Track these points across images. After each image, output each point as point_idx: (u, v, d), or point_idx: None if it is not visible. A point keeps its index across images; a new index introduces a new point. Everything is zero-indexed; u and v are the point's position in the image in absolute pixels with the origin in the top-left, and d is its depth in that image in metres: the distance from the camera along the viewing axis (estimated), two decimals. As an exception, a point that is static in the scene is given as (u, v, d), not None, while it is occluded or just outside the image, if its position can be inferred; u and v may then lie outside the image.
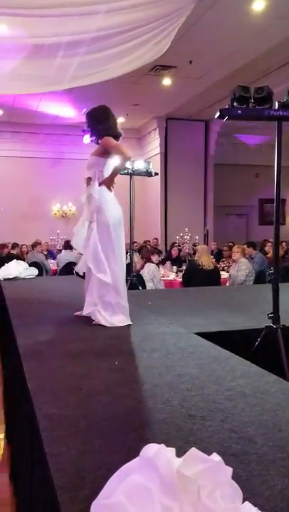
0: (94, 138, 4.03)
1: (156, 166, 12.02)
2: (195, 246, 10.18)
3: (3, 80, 6.39)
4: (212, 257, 11.47)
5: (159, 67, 9.72)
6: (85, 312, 3.80)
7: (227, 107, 3.22)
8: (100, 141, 3.93)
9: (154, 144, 14.64)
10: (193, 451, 1.04)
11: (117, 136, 3.96)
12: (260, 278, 7.80)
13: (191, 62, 9.45)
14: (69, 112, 12.63)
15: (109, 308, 3.70)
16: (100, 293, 3.71)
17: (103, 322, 3.64)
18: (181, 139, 14.17)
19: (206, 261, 7.43)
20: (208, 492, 0.97)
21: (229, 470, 1.05)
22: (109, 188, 3.85)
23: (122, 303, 3.72)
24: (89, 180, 3.85)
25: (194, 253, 9.37)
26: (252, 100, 3.15)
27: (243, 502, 1.08)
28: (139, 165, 7.77)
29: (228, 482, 1.03)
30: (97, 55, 5.95)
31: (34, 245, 11.15)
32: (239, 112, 3.17)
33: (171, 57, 8.58)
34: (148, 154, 14.71)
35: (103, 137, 3.88)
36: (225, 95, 7.98)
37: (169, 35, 5.98)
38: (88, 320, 3.85)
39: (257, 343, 3.44)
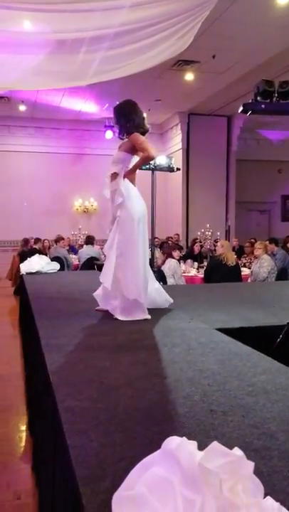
0: (121, 133, 4.03)
1: (178, 161, 11.99)
2: (216, 242, 10.13)
3: (26, 75, 6.42)
4: (234, 253, 11.43)
5: (181, 62, 9.67)
6: (105, 306, 3.83)
7: (250, 101, 3.19)
8: (127, 137, 3.94)
9: (176, 140, 14.59)
10: (215, 444, 1.03)
11: (144, 132, 3.97)
12: (282, 275, 7.73)
13: (214, 56, 9.37)
14: (91, 107, 12.66)
15: (126, 304, 3.71)
16: (119, 288, 3.72)
17: (120, 317, 3.66)
18: (203, 134, 14.09)
19: (230, 257, 7.40)
20: (229, 486, 0.97)
21: (251, 464, 1.04)
22: (132, 182, 3.87)
23: (140, 300, 3.72)
24: (114, 175, 3.86)
25: (215, 249, 9.32)
26: (276, 94, 3.12)
27: (264, 497, 1.07)
28: (161, 160, 7.77)
29: (250, 476, 1.03)
30: (120, 50, 5.93)
31: (57, 240, 11.23)
32: (263, 106, 3.14)
33: (194, 52, 8.52)
34: (170, 150, 14.67)
35: (132, 133, 3.90)
36: (248, 90, 7.93)
37: (192, 29, 5.93)
38: (109, 314, 3.87)
39: (279, 340, 3.42)
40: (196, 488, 0.94)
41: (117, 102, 4.23)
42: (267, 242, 8.77)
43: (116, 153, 3.96)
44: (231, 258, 7.44)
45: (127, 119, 3.97)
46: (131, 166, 3.87)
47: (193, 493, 0.95)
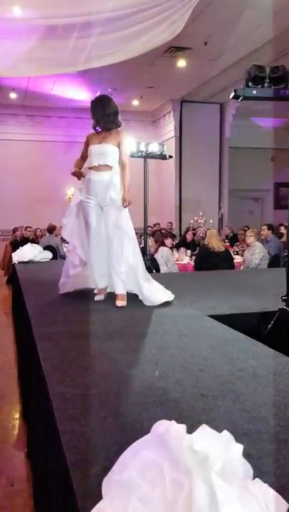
0: (107, 126, 4.01)
1: (170, 149, 11.92)
2: (209, 228, 10.13)
3: (17, 62, 6.36)
4: (227, 241, 11.44)
5: (173, 49, 9.58)
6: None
7: (242, 87, 3.18)
8: (110, 132, 4.00)
9: (169, 127, 14.51)
10: (204, 427, 1.04)
11: None
12: (274, 261, 7.76)
13: (206, 43, 9.29)
14: (83, 95, 12.54)
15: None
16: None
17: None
18: (195, 121, 14.02)
19: (215, 244, 7.43)
20: (218, 468, 0.97)
21: (240, 447, 1.05)
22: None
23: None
24: (106, 167, 3.92)
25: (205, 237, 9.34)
26: (267, 80, 3.10)
27: (253, 479, 1.08)
28: (154, 148, 7.73)
29: (239, 459, 1.04)
30: (112, 35, 5.88)
31: (50, 229, 11.17)
32: (254, 92, 3.12)
33: (186, 39, 8.45)
34: (163, 137, 14.59)
35: (121, 130, 4.05)
36: (241, 77, 7.85)
37: (183, 15, 5.88)
38: (102, 303, 3.90)
39: (270, 326, 3.44)
40: (184, 471, 0.95)
41: (102, 94, 4.29)
42: (265, 227, 8.80)
43: (105, 146, 3.95)
44: (218, 244, 7.47)
45: (116, 113, 4.06)
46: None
47: (181, 475, 0.95)
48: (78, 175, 4.09)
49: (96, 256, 4.06)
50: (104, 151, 3.93)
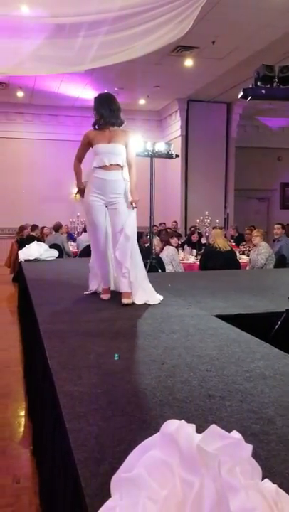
0: (112, 121, 4.02)
1: (177, 148, 11.91)
2: (215, 227, 10.11)
3: (25, 60, 6.37)
4: (232, 241, 11.43)
5: (181, 48, 9.57)
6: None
7: (250, 86, 3.17)
8: (119, 131, 4.03)
9: (175, 127, 14.50)
10: (214, 427, 1.04)
11: None
12: (281, 262, 7.74)
13: (213, 42, 9.27)
14: (90, 93, 12.54)
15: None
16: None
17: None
18: (202, 121, 14.00)
19: (221, 243, 7.46)
20: (228, 468, 0.97)
21: (249, 447, 1.05)
22: None
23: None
24: (118, 167, 3.94)
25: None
26: (276, 80, 3.09)
27: (262, 480, 1.08)
28: (160, 147, 7.72)
29: (248, 459, 1.04)
30: (119, 34, 5.88)
31: (56, 228, 11.18)
32: (263, 91, 3.12)
33: (193, 38, 8.44)
34: (169, 137, 14.59)
35: (127, 130, 4.12)
36: (248, 76, 7.86)
37: (191, 14, 5.87)
38: (108, 301, 3.92)
39: (277, 326, 3.43)
40: (194, 471, 0.95)
41: (108, 92, 4.30)
42: (280, 226, 8.77)
43: (116, 146, 3.96)
44: (223, 244, 7.50)
45: (120, 110, 4.08)
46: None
47: (191, 475, 0.95)
48: (82, 193, 4.13)
49: (103, 256, 4.09)
50: (116, 151, 3.94)
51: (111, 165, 3.93)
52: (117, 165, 3.94)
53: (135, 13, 5.64)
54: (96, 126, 4.08)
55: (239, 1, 7.57)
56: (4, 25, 5.89)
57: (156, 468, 1.01)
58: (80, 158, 4.19)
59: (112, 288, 4.21)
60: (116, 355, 2.41)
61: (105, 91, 4.45)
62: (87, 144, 4.08)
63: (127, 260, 3.88)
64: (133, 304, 3.83)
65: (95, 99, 4.14)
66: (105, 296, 4.10)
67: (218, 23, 8.35)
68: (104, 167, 3.93)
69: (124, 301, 3.83)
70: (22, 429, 3.55)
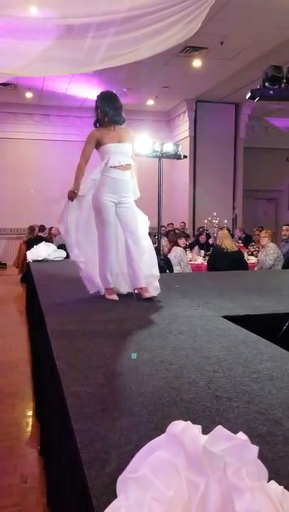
0: (115, 119, 4.05)
1: (185, 149, 11.90)
2: (222, 229, 10.08)
3: (33, 62, 6.39)
4: (240, 242, 11.40)
5: (189, 49, 9.57)
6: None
7: (258, 87, 3.16)
8: (123, 130, 4.09)
9: (184, 127, 14.49)
10: (220, 429, 1.04)
11: None
12: (289, 262, 7.71)
13: (222, 43, 9.26)
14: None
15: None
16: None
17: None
18: (210, 121, 13.98)
19: (228, 244, 7.48)
20: (234, 469, 0.97)
21: (255, 448, 1.05)
22: None
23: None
24: (129, 166, 4.03)
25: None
26: (284, 80, 3.08)
27: (268, 481, 1.08)
28: (168, 148, 7.73)
29: (254, 460, 1.04)
30: (128, 35, 5.88)
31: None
32: (271, 92, 3.11)
33: (202, 38, 8.43)
34: (177, 137, 14.58)
35: (130, 130, 4.23)
36: (257, 77, 7.82)
37: (200, 15, 5.86)
38: (115, 302, 3.93)
39: (285, 327, 3.42)
40: (200, 472, 0.95)
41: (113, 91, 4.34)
42: (288, 227, 8.74)
43: (125, 145, 4.03)
44: (230, 244, 7.53)
45: (122, 109, 4.12)
46: None
47: (197, 476, 0.95)
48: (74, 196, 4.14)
49: (114, 254, 4.07)
50: (127, 151, 4.01)
51: (126, 165, 4.00)
52: (129, 164, 4.01)
53: (143, 14, 5.65)
54: (97, 124, 4.09)
55: (248, 1, 7.56)
56: (13, 27, 5.91)
57: (162, 469, 1.01)
58: (87, 159, 4.16)
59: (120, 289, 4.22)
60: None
61: (113, 91, 4.46)
62: (94, 144, 4.08)
63: (142, 257, 3.99)
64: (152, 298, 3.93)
65: (98, 97, 4.16)
66: (115, 296, 4.07)
67: (226, 24, 8.34)
68: (120, 167, 3.98)
69: (147, 295, 3.92)
70: (30, 429, 3.56)
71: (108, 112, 4.02)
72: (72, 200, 4.11)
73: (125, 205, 4.00)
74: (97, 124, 4.10)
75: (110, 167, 3.96)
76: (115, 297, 4.06)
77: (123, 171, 3.98)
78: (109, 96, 4.11)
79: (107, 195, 3.96)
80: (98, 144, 4.04)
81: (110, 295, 4.09)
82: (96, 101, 4.14)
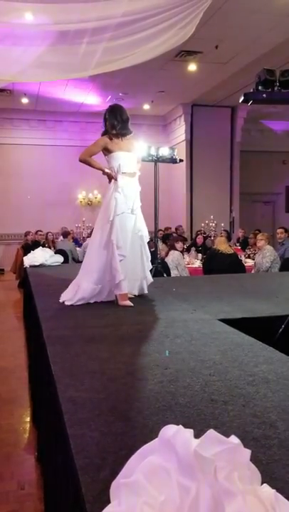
0: (123, 131, 4.13)
1: (181, 152, 11.95)
2: (221, 235, 10.11)
3: (29, 67, 6.42)
4: (238, 244, 11.42)
5: (184, 53, 9.61)
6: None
7: (252, 90, 3.18)
8: (131, 140, 4.19)
9: (180, 131, 14.53)
10: (211, 432, 1.04)
11: None
12: (286, 265, 7.72)
13: (217, 47, 9.30)
14: (94, 99, 12.61)
15: None
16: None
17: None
18: (206, 125, 14.03)
19: (224, 248, 7.57)
20: (225, 473, 0.97)
21: (247, 452, 1.04)
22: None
23: None
24: (136, 174, 4.16)
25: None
26: (277, 83, 3.10)
27: (261, 484, 1.08)
28: (164, 152, 7.74)
29: (247, 464, 1.03)
30: (122, 40, 5.91)
31: (66, 234, 11.20)
32: (264, 95, 3.12)
33: (196, 43, 8.48)
34: (174, 141, 14.62)
35: (135, 139, 4.30)
36: (252, 80, 7.85)
37: (194, 19, 5.90)
38: (112, 306, 3.91)
39: (281, 330, 3.42)
40: (191, 476, 0.95)
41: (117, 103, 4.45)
42: (283, 230, 8.84)
43: (134, 154, 4.19)
44: (226, 248, 7.60)
45: (129, 121, 4.21)
46: None
47: (188, 480, 0.95)
48: (111, 176, 4.12)
49: (127, 263, 4.07)
50: (135, 160, 4.19)
51: (134, 173, 4.14)
52: (135, 173, 4.16)
53: (138, 19, 5.68)
54: (108, 134, 4.15)
55: (242, 5, 7.59)
56: (8, 33, 5.93)
57: (154, 473, 1.01)
58: (91, 155, 4.17)
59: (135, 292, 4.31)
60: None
61: (109, 97, 4.52)
62: (102, 147, 4.13)
63: (148, 264, 4.29)
64: None
65: (107, 110, 4.25)
66: (129, 302, 3.97)
67: (221, 28, 8.38)
68: (131, 174, 4.11)
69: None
70: (27, 435, 3.55)
71: (116, 125, 4.12)
72: (116, 179, 4.04)
73: (136, 213, 4.12)
74: (112, 132, 4.15)
75: (123, 173, 4.06)
76: (129, 303, 3.97)
77: (134, 179, 4.14)
78: (116, 109, 4.23)
79: (125, 204, 4.03)
80: (107, 151, 4.12)
81: (126, 301, 3.98)
82: (105, 113, 4.23)
